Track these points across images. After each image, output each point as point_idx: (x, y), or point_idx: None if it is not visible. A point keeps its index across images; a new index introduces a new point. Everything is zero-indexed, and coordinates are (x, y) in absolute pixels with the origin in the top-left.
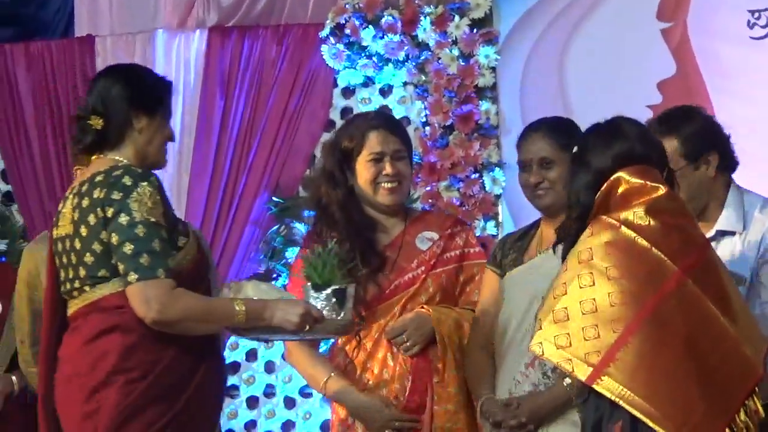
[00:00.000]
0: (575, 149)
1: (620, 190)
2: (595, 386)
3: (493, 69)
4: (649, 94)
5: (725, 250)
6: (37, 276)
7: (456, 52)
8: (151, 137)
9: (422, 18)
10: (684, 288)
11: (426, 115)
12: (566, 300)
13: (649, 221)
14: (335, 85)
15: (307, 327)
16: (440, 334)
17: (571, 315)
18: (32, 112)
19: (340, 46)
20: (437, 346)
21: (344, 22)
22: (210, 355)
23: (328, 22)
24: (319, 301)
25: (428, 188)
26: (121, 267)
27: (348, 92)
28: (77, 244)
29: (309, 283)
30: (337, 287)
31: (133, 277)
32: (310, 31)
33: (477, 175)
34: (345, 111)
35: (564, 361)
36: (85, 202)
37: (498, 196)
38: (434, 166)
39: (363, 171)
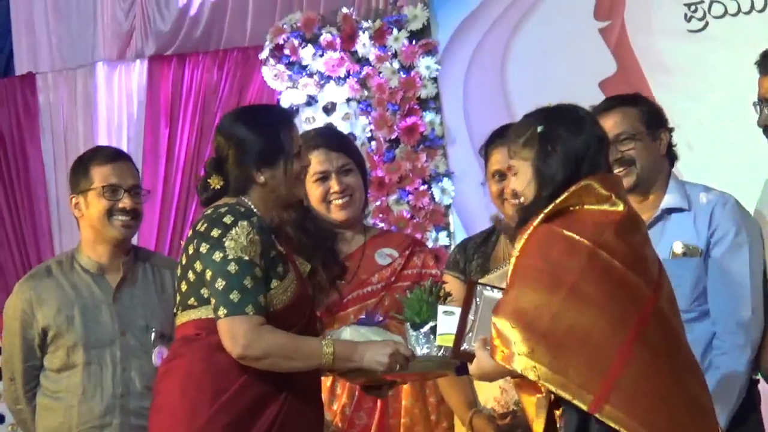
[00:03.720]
0: (541, 128)
1: (590, 199)
2: (597, 415)
3: (435, 80)
4: (592, 94)
5: (676, 225)
6: (31, 313)
7: (396, 65)
8: (277, 184)
9: (361, 33)
10: (658, 311)
11: (371, 130)
12: (554, 324)
13: (620, 243)
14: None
15: (398, 367)
16: None
17: (563, 341)
18: None
19: (281, 67)
20: None
21: (283, 42)
22: (290, 391)
23: (266, 43)
24: (419, 339)
25: (378, 203)
26: (212, 301)
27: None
28: (178, 272)
29: (407, 323)
30: (434, 324)
31: (222, 312)
32: (250, 54)
33: (426, 186)
34: None
35: (562, 389)
36: (190, 233)
37: (448, 207)
38: (382, 180)
39: (311, 191)
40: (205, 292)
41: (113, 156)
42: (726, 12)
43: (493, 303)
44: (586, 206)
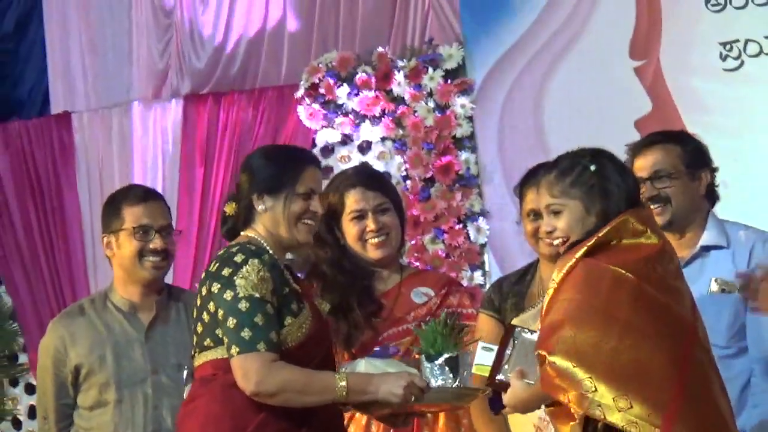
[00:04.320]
0: (594, 167)
1: (627, 234)
2: None
3: (470, 118)
4: (627, 133)
5: (714, 262)
6: (64, 352)
7: (432, 104)
8: (276, 217)
9: (396, 72)
10: (697, 338)
11: (406, 169)
12: (613, 362)
13: (660, 276)
14: (314, 145)
15: (413, 398)
16: None
17: (623, 377)
18: (13, 192)
19: (316, 106)
20: None
21: (318, 81)
22: (310, 427)
23: (302, 82)
24: (434, 370)
25: (413, 242)
26: (225, 340)
27: (327, 151)
28: (194, 313)
29: (423, 355)
30: (449, 356)
31: (234, 350)
32: (285, 93)
33: (461, 225)
34: (325, 170)
35: (629, 425)
36: (204, 274)
37: (483, 245)
38: (418, 219)
39: (348, 229)
40: (220, 332)
41: (144, 196)
42: (761, 51)
43: (529, 344)
44: (624, 241)
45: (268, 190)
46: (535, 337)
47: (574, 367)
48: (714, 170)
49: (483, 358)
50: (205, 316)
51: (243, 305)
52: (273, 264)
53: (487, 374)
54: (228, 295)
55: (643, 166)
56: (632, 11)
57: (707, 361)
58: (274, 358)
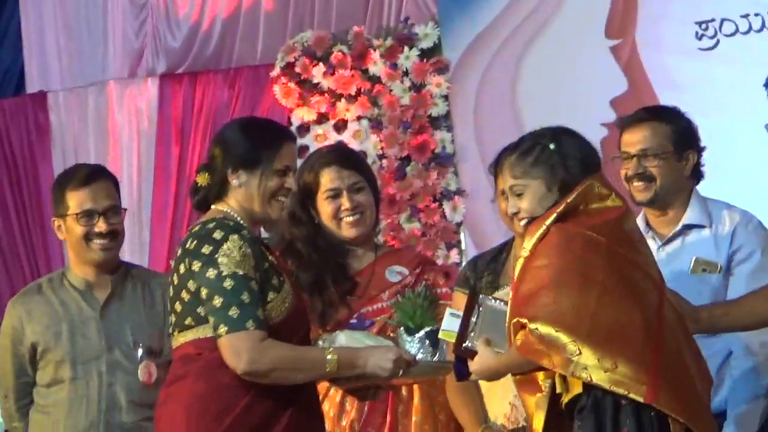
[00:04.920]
0: (553, 146)
1: (593, 198)
2: (655, 405)
3: (446, 97)
4: (603, 112)
5: (696, 241)
6: (21, 330)
7: (408, 83)
8: (251, 193)
9: (372, 51)
10: (666, 298)
11: (382, 148)
12: (594, 324)
13: (628, 236)
14: (289, 123)
15: (401, 372)
16: None
17: (605, 339)
18: None
19: (292, 85)
20: None
21: (294, 60)
22: (296, 405)
23: (278, 61)
24: (413, 344)
25: (389, 221)
26: (211, 320)
27: (303, 130)
28: (170, 292)
29: (402, 328)
30: (429, 329)
31: (223, 329)
32: (261, 72)
33: (436, 204)
34: (300, 149)
35: (616, 385)
36: (179, 252)
37: (459, 224)
38: (393, 197)
39: (323, 208)
40: (201, 311)
41: (87, 179)
42: (737, 30)
43: (494, 312)
44: (591, 205)
45: (244, 165)
46: (498, 304)
47: (556, 331)
48: (701, 150)
49: (450, 324)
50: (185, 295)
51: (228, 283)
52: (252, 239)
53: (453, 340)
54: (211, 273)
55: (630, 141)
56: None
57: (675, 318)
58: (264, 336)
